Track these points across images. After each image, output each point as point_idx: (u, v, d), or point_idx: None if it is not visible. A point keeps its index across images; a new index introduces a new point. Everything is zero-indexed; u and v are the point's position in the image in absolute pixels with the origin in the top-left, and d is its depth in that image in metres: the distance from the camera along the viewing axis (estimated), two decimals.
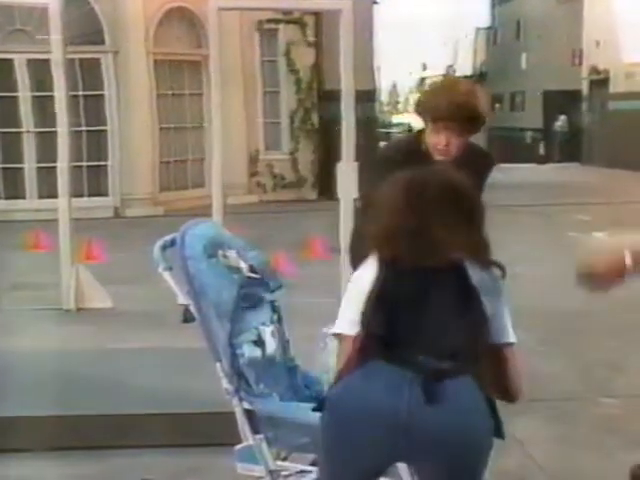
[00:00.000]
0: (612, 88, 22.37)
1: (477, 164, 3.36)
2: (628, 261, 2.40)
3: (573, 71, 25.49)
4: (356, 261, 3.34)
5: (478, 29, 35.24)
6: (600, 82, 23.20)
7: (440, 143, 3.28)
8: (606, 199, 14.47)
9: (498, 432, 2.30)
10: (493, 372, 2.38)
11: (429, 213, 2.34)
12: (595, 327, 5.71)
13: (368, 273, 2.39)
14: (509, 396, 2.44)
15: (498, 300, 2.39)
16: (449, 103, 3.23)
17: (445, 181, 2.42)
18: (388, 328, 2.31)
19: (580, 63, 24.99)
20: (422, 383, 2.20)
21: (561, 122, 27.12)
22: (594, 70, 23.62)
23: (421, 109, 3.40)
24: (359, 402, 2.28)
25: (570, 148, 25.19)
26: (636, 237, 2.45)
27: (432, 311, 2.30)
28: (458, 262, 2.33)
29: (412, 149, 3.39)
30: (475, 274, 2.33)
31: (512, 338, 2.43)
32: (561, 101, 26.72)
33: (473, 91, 3.34)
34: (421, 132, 3.41)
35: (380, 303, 2.33)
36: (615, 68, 21.83)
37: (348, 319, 2.39)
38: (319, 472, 2.53)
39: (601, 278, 2.43)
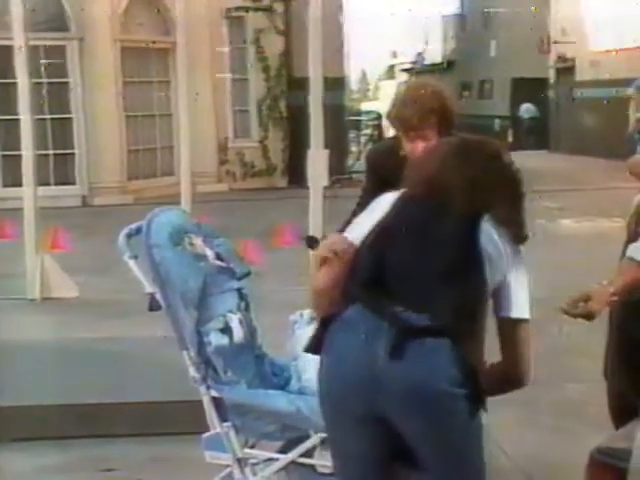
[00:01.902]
0: (578, 76, 22.56)
1: None
2: (605, 282, 2.61)
3: (541, 59, 25.66)
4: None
5: (447, 16, 35.28)
6: (567, 70, 23.38)
7: (417, 151, 3.23)
8: (574, 186, 14.60)
9: (480, 404, 2.24)
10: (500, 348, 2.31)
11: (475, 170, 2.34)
12: (559, 313, 5.76)
13: (387, 201, 2.39)
14: (509, 378, 2.33)
15: (509, 269, 2.29)
16: (417, 113, 3.20)
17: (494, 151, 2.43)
18: (376, 270, 2.28)
19: (548, 51, 25.16)
20: (392, 337, 2.17)
21: (523, 111, 27.37)
22: (561, 58, 23.80)
23: (392, 122, 3.37)
24: (339, 356, 2.27)
25: (538, 135, 25.37)
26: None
27: (426, 262, 2.26)
28: (476, 216, 2.28)
29: (391, 155, 3.37)
30: (489, 234, 2.27)
31: (516, 313, 2.29)
32: (529, 89, 26.88)
33: (440, 93, 3.30)
34: (399, 137, 3.38)
35: (378, 239, 2.31)
36: (581, 56, 22.01)
37: (357, 231, 2.42)
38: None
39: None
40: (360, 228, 2.44)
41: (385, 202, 2.44)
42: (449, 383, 2.16)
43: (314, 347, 2.39)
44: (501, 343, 2.30)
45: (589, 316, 2.70)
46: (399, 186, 3.02)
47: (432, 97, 3.26)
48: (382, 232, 2.34)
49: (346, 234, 2.47)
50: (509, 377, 2.31)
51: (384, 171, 3.42)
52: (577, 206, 12.30)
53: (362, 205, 3.58)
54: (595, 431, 3.34)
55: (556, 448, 3.89)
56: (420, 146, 3.24)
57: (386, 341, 2.18)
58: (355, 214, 3.58)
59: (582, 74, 22.20)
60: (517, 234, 2.34)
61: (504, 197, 2.36)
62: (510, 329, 2.28)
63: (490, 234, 2.28)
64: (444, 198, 2.31)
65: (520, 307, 2.29)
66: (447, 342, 2.17)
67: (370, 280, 2.29)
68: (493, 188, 2.35)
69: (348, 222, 3.57)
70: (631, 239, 3.10)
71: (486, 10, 30.60)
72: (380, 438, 2.29)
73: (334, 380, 2.29)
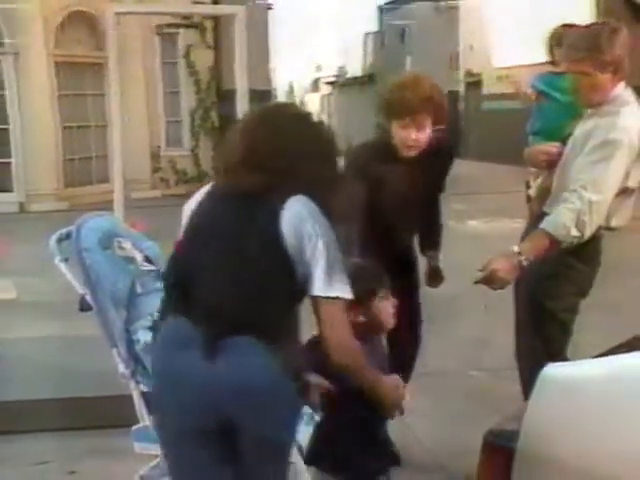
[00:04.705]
0: (485, 90, 23.04)
1: (440, 158, 3.37)
2: (516, 249, 2.72)
3: (451, 73, 26.10)
4: None
5: (367, 33, 35.58)
6: (474, 84, 23.86)
7: (409, 138, 3.18)
8: (480, 190, 14.88)
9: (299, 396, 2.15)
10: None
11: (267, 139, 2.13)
12: (464, 307, 5.88)
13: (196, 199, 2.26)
14: (326, 353, 2.12)
15: (315, 244, 2.06)
16: (417, 97, 3.14)
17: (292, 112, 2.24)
18: (182, 276, 2.14)
19: (457, 67, 25.62)
20: (202, 342, 2.06)
21: None
22: (469, 73, 24.28)
23: (387, 106, 3.26)
24: (165, 368, 2.16)
25: None
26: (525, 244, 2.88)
27: (228, 265, 2.09)
28: (278, 197, 2.08)
29: (379, 149, 3.27)
30: (294, 212, 2.07)
31: (320, 291, 2.07)
32: None
33: (435, 85, 3.26)
34: (386, 132, 3.27)
35: (185, 239, 2.18)
36: (487, 72, 22.49)
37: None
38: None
39: (497, 275, 2.79)
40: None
41: (195, 199, 2.29)
42: (260, 379, 2.06)
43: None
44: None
45: (494, 280, 2.81)
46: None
47: (431, 87, 3.21)
48: (185, 236, 2.20)
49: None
50: (325, 352, 2.14)
51: (371, 170, 3.19)
52: (482, 208, 12.54)
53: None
54: (499, 414, 3.41)
55: (464, 432, 3.93)
56: (413, 134, 3.14)
57: (199, 347, 2.07)
58: None
59: (488, 88, 22.67)
60: (336, 213, 2.15)
61: (315, 169, 2.12)
62: (314, 306, 2.12)
63: (294, 222, 2.06)
64: (244, 185, 2.10)
65: (325, 285, 2.07)
66: (250, 339, 2.05)
67: (175, 287, 2.17)
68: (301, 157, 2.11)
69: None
70: (534, 219, 3.23)
71: (402, 28, 31.02)
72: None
73: (165, 394, 2.17)
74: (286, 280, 2.09)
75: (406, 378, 3.47)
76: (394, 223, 3.28)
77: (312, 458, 2.50)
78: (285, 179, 2.10)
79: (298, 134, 2.16)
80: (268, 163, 2.11)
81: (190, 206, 2.28)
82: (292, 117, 2.21)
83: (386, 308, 2.52)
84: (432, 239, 3.59)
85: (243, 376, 2.06)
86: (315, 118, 2.26)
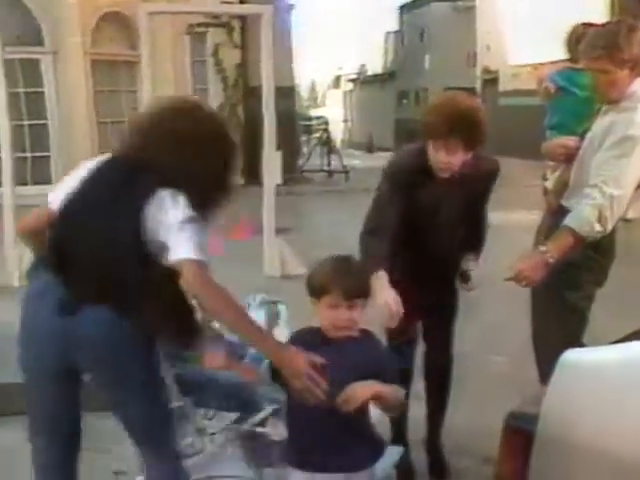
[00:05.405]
0: (501, 86, 22.87)
1: (483, 176, 3.19)
2: (543, 249, 2.71)
3: (469, 71, 25.93)
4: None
5: (388, 33, 35.46)
6: (491, 81, 23.68)
7: (441, 161, 2.97)
8: (497, 183, 14.78)
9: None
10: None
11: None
12: (484, 294, 5.84)
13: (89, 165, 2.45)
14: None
15: (175, 227, 2.24)
16: (448, 121, 2.89)
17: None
18: (60, 239, 2.33)
19: (474, 64, 25.44)
20: (63, 302, 2.27)
21: None
22: (486, 70, 24.10)
23: (423, 127, 3.03)
24: (29, 318, 2.36)
25: None
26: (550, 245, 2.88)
27: (92, 232, 2.30)
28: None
29: (417, 166, 3.07)
30: (159, 200, 2.26)
31: (173, 256, 2.22)
32: None
33: (473, 108, 2.98)
34: (425, 149, 3.06)
35: (70, 204, 2.36)
36: (503, 69, 22.32)
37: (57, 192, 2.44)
38: None
39: (524, 274, 2.82)
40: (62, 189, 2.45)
41: (87, 166, 2.47)
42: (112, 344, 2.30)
43: None
44: None
45: (522, 279, 2.84)
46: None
47: (467, 110, 2.94)
48: (70, 201, 2.37)
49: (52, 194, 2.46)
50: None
51: (409, 188, 3.06)
52: (498, 201, 12.45)
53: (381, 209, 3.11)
54: (518, 398, 3.39)
55: (482, 415, 3.92)
56: (444, 157, 2.94)
57: (63, 305, 2.27)
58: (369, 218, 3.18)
59: (505, 85, 22.50)
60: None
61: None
62: (178, 269, 2.24)
63: (157, 209, 2.27)
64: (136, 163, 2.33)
65: (178, 249, 2.23)
66: (103, 309, 2.26)
67: (51, 245, 2.35)
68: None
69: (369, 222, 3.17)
70: (552, 212, 3.21)
71: (421, 27, 30.86)
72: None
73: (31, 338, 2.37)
74: (143, 257, 2.26)
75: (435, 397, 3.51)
76: (432, 240, 3.18)
77: (284, 456, 2.43)
78: (162, 171, 2.29)
79: (180, 133, 2.35)
80: (151, 154, 2.33)
81: (86, 167, 2.46)
82: (186, 117, 2.40)
83: (324, 312, 2.28)
84: (473, 244, 3.41)
85: (94, 339, 2.29)
86: (210, 119, 2.46)
